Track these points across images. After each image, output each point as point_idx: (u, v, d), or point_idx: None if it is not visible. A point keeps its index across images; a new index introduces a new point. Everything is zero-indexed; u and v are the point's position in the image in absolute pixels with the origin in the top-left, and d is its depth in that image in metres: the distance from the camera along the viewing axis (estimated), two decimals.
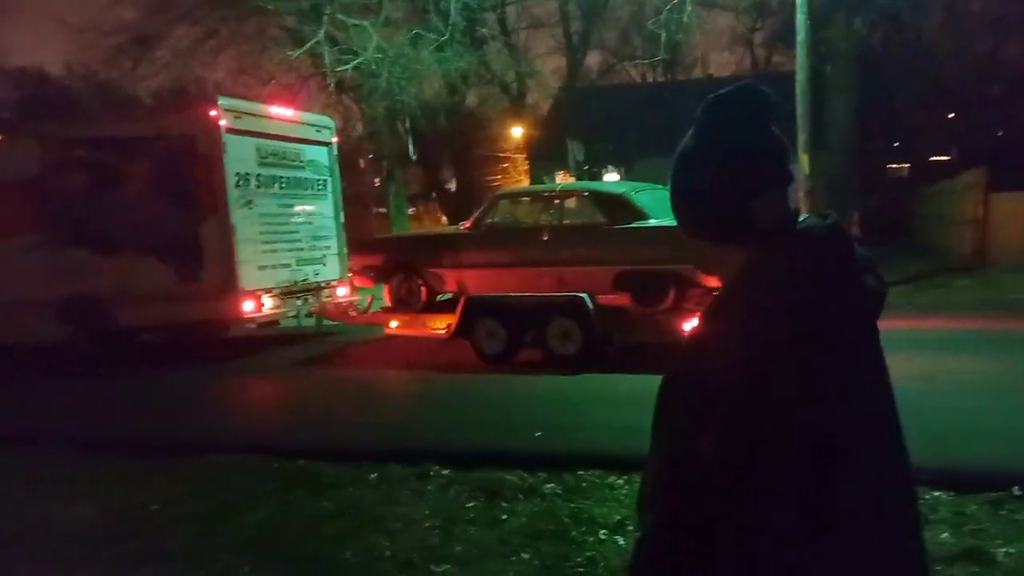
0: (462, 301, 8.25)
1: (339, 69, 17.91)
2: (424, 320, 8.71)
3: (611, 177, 21.55)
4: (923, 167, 27.10)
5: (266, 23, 19.80)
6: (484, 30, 22.07)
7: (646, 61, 29.75)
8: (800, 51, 12.13)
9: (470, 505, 4.27)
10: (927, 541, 1.15)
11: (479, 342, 8.18)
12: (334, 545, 3.87)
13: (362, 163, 30.76)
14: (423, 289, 8.90)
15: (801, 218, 1.12)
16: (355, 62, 17.68)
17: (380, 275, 9.22)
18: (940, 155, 27.82)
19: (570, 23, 28.63)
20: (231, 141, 9.44)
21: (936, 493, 3.95)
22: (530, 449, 5.19)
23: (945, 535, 3.53)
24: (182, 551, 3.89)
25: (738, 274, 1.08)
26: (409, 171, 27.86)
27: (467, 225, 9.01)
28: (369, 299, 10.24)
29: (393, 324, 8.96)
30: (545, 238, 8.04)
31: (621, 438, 5.23)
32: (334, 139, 11.45)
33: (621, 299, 7.74)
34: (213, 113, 9.35)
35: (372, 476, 4.85)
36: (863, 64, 17.58)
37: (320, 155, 11.12)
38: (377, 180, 28.46)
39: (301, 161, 10.75)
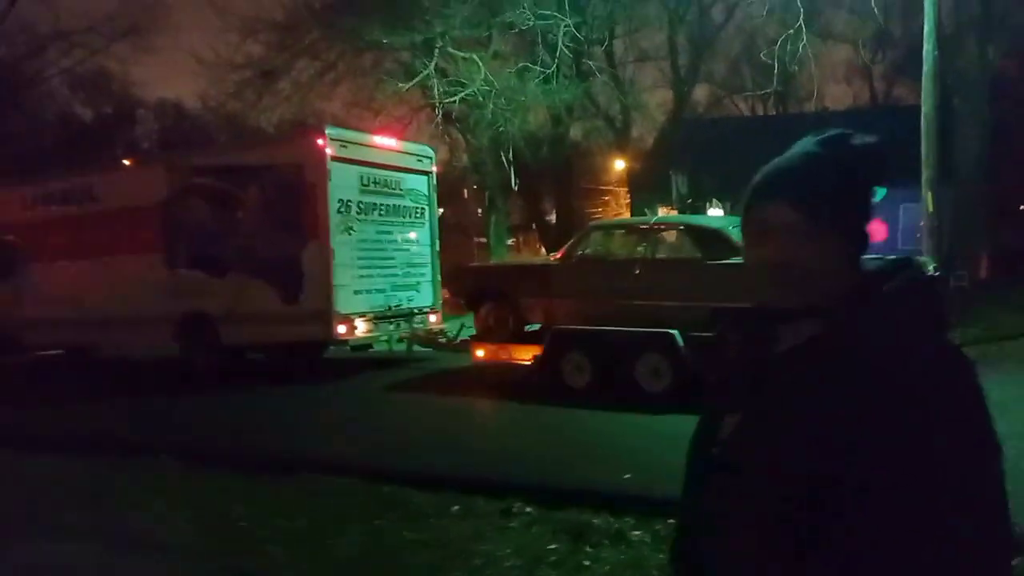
0: (549, 333, 8.17)
1: (447, 101, 18.37)
2: (511, 350, 8.68)
3: (715, 212, 21.03)
4: None
5: (381, 57, 20.60)
6: (591, 63, 22.13)
7: (756, 94, 29.03)
8: (926, 81, 11.47)
9: (553, 547, 4.14)
10: None
11: (565, 375, 8.04)
12: None
13: (466, 193, 31.38)
14: (511, 318, 8.86)
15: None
16: (462, 94, 18.09)
17: (470, 303, 9.26)
18: None
19: (678, 56, 28.36)
20: (335, 169, 9.76)
21: None
22: (618, 491, 5.01)
23: None
24: (274, 569, 3.95)
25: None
26: (511, 202, 28.15)
27: (559, 256, 8.95)
28: (459, 326, 10.31)
29: (480, 352, 8.97)
30: (637, 271, 7.89)
31: None
32: (434, 168, 11.63)
33: (714, 337, 7.38)
34: (320, 142, 9.70)
35: (456, 508, 4.81)
36: (995, 93, 16.48)
37: (420, 184, 11.33)
38: (480, 210, 28.92)
39: (401, 189, 11.00)
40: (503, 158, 20.49)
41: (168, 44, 44.01)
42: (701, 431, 1.23)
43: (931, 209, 11.25)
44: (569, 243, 8.89)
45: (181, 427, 7.78)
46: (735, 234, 7.61)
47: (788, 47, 16.27)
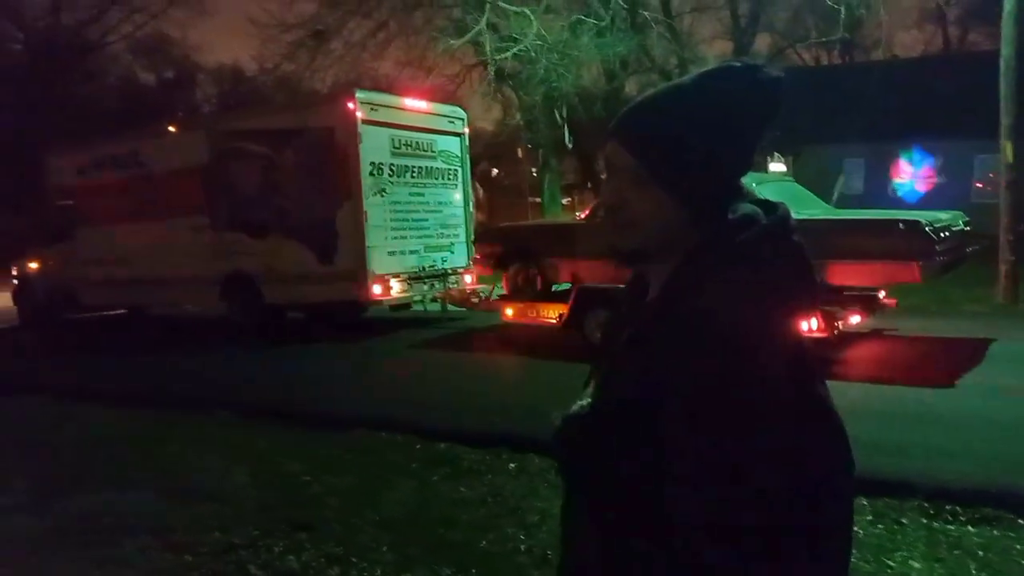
0: (574, 291, 8.30)
1: (499, 57, 18.11)
2: (538, 309, 8.81)
3: (776, 166, 20.38)
4: None
5: (432, 14, 20.39)
6: (646, 14, 21.47)
7: (821, 41, 27.79)
8: (1006, 23, 10.70)
9: None
10: None
11: (589, 333, 8.12)
12: (471, 532, 3.83)
13: (519, 152, 31.10)
14: (539, 278, 9.00)
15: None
16: (514, 49, 17.80)
17: (499, 263, 9.41)
18: None
19: (738, 5, 27.28)
20: (367, 132, 9.89)
21: None
22: None
23: None
24: (327, 523, 4.02)
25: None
26: (565, 161, 27.83)
27: (584, 215, 8.97)
28: (491, 286, 10.35)
29: (509, 312, 9.13)
30: None
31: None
32: (466, 129, 11.70)
33: None
34: (350, 105, 9.81)
35: (511, 465, 4.80)
36: None
37: (452, 145, 11.40)
38: (534, 170, 28.67)
39: (433, 151, 11.08)
40: (556, 116, 20.19)
41: (224, 7, 44.57)
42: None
43: (1010, 159, 10.62)
44: (594, 203, 8.85)
45: (234, 384, 7.98)
46: (759, 192, 7.37)
47: None
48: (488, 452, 5.02)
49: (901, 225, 6.82)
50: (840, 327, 7.07)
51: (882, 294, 7.91)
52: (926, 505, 3.80)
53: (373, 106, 10.09)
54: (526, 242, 9.28)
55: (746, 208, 1.03)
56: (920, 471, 4.10)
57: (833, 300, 7.21)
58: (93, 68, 35.08)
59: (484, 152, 37.19)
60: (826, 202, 8.89)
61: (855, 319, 7.41)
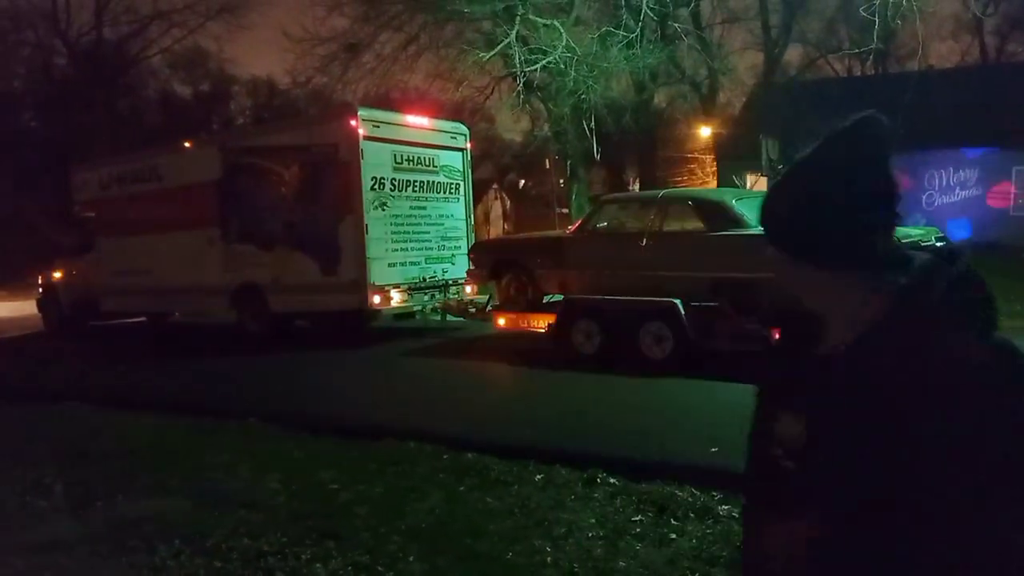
0: (561, 302, 8.62)
1: (528, 69, 18.18)
2: (528, 319, 9.08)
3: None
4: None
5: (463, 27, 20.54)
6: (676, 26, 21.42)
7: (854, 52, 27.48)
8: None
9: (637, 519, 4.06)
10: None
11: (576, 342, 8.39)
12: (498, 543, 3.84)
13: (547, 163, 31.17)
14: (530, 289, 9.23)
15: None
16: (544, 61, 17.85)
17: (492, 275, 9.65)
18: None
19: (769, 15, 27.11)
20: (369, 148, 10.25)
21: None
22: (703, 464, 4.86)
23: None
24: (356, 531, 4.04)
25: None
26: (593, 171, 27.81)
27: (573, 229, 9.32)
28: (488, 297, 10.47)
29: (501, 321, 9.41)
30: (644, 243, 8.08)
31: None
32: (468, 145, 11.96)
33: (716, 306, 7.71)
34: (353, 123, 10.16)
35: (538, 477, 4.79)
36: None
37: (454, 160, 11.68)
38: (562, 181, 28.67)
39: (435, 166, 11.37)
40: (585, 127, 20.17)
41: (259, 21, 45.69)
42: (757, 425, 1.22)
43: None
44: (583, 217, 9.14)
45: (261, 393, 8.11)
46: (739, 207, 7.78)
47: (890, 1, 15.27)
48: (515, 463, 5.02)
49: None
50: None
51: None
52: None
53: (375, 123, 10.46)
54: (517, 254, 9.56)
55: (924, 259, 1.06)
56: None
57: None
58: (133, 82, 35.95)
59: (512, 163, 37.38)
60: None
61: None
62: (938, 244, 7.68)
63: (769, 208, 1.10)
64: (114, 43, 34.38)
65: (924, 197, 22.62)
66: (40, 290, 15.21)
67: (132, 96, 36.01)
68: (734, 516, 4.03)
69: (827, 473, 1.03)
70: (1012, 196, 21.13)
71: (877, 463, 0.98)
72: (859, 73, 32.46)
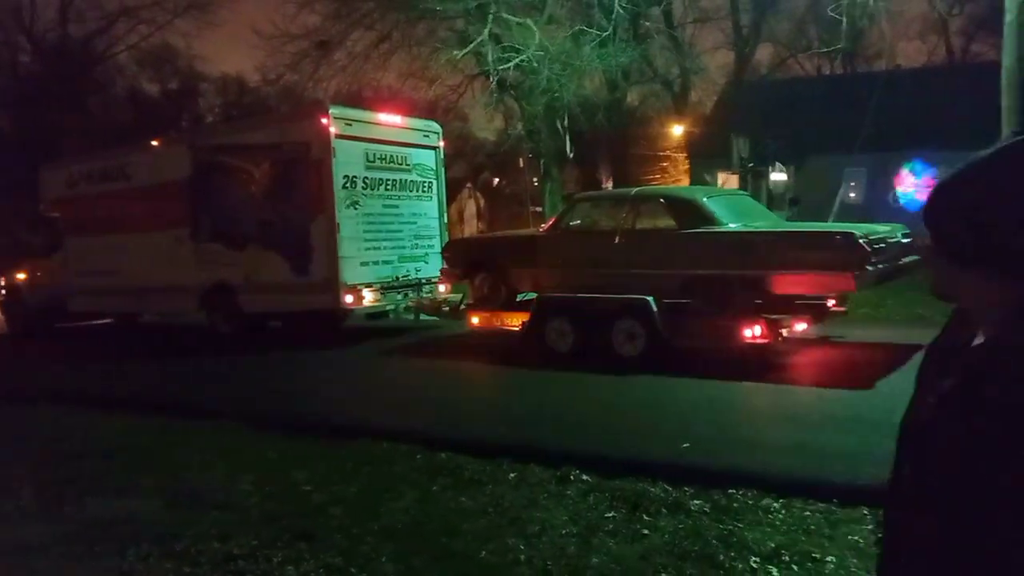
0: (535, 301, 8.62)
1: (501, 68, 18.19)
2: (502, 317, 9.08)
3: (777, 176, 20.37)
4: None
5: (435, 25, 20.49)
6: (648, 25, 21.57)
7: (823, 51, 27.88)
8: (1008, 32, 10.73)
9: (610, 515, 4.09)
10: None
11: (549, 340, 8.41)
12: (472, 542, 3.83)
13: (521, 162, 31.19)
14: (504, 288, 9.23)
15: None
16: (517, 60, 17.88)
17: (465, 273, 9.65)
18: None
19: (740, 15, 27.37)
20: (340, 146, 10.19)
21: None
22: (675, 460, 4.91)
23: None
24: (329, 532, 4.02)
25: None
26: (566, 170, 27.87)
27: (546, 227, 9.35)
28: (461, 296, 10.47)
29: (475, 320, 9.39)
30: (616, 241, 8.12)
31: (779, 458, 4.85)
32: (441, 143, 11.93)
33: (687, 304, 7.79)
34: (324, 121, 10.10)
35: (512, 475, 4.79)
36: None
37: (427, 158, 11.64)
38: (535, 179, 28.73)
39: (408, 164, 11.32)
40: (558, 125, 20.27)
41: (229, 18, 44.90)
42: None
43: None
44: (556, 215, 9.17)
45: (234, 393, 8.03)
46: (710, 205, 7.87)
47: (858, 1, 15.51)
48: (489, 462, 5.02)
49: (837, 237, 7.15)
50: (784, 334, 7.45)
51: (831, 302, 8.24)
52: None
53: (348, 121, 10.40)
54: (490, 253, 9.58)
55: None
56: None
57: (781, 308, 7.65)
58: (101, 79, 35.29)
59: (486, 162, 37.34)
60: (779, 214, 9.20)
61: (801, 326, 7.73)
62: (904, 240, 7.85)
63: (939, 217, 1.07)
64: (80, 40, 33.73)
65: (891, 195, 23.04)
66: (3, 291, 14.89)
67: (100, 94, 35.35)
68: (705, 511, 4.08)
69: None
70: None
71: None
72: (828, 72, 32.96)
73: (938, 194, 1.07)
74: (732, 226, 7.66)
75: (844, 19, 15.85)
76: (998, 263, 1.01)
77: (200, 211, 11.59)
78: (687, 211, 7.92)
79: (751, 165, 19.58)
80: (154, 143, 13.06)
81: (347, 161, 10.30)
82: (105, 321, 14.45)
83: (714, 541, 3.68)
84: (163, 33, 34.56)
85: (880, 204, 22.44)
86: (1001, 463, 0.91)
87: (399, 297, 11.08)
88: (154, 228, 12.07)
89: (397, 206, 11.16)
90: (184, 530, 4.05)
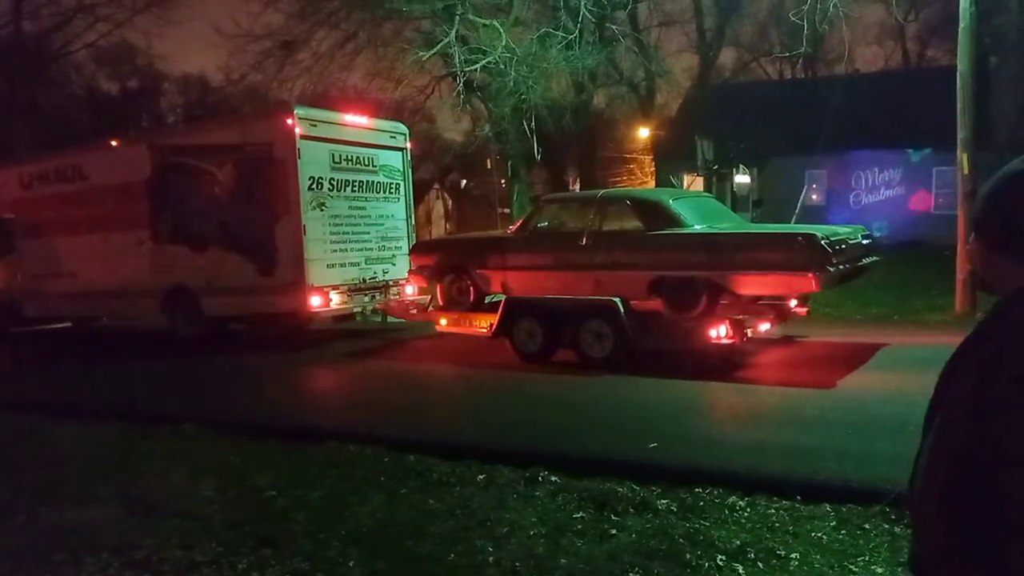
0: (503, 302, 8.60)
1: (468, 69, 18.16)
2: (470, 319, 9.04)
3: (741, 178, 20.67)
4: None
5: (402, 26, 20.38)
6: (614, 28, 21.71)
7: (785, 56, 28.35)
8: (963, 38, 11.00)
9: (578, 515, 4.10)
10: None
11: (518, 341, 8.43)
12: (440, 545, 3.81)
13: (489, 163, 31.20)
14: (472, 289, 9.20)
15: None
16: (483, 62, 17.86)
17: (433, 275, 9.58)
18: None
19: (704, 19, 27.73)
20: (306, 147, 10.05)
21: None
22: (642, 460, 4.94)
23: None
24: (294, 538, 3.96)
25: None
26: (534, 171, 27.95)
27: (514, 229, 9.37)
28: (429, 298, 10.43)
29: (443, 322, 9.33)
30: (583, 242, 8.18)
31: (743, 456, 4.91)
32: (408, 144, 11.83)
33: (654, 304, 7.84)
34: (289, 121, 9.97)
35: (480, 477, 4.78)
36: None
37: (394, 159, 11.54)
38: (503, 181, 28.73)
39: (375, 166, 11.21)
40: (525, 127, 20.26)
41: (190, 16, 44.13)
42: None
43: (966, 171, 10.89)
44: (524, 216, 9.20)
45: (197, 397, 7.88)
46: (675, 206, 7.98)
47: (818, 7, 15.79)
48: (457, 464, 5.00)
49: (800, 239, 7.26)
50: (749, 333, 7.54)
51: (793, 303, 8.39)
52: (888, 511, 3.86)
53: (313, 122, 10.26)
54: (458, 255, 9.53)
55: None
56: (885, 477, 4.16)
57: (745, 309, 7.82)
58: (56, 77, 34.42)
59: (453, 163, 37.24)
60: (743, 216, 9.35)
61: (764, 326, 7.86)
62: (864, 241, 8.01)
63: (993, 210, 1.22)
64: (35, 37, 32.86)
65: (851, 196, 23.52)
66: None
67: (56, 92, 34.49)
68: (672, 510, 4.11)
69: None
70: (933, 196, 22.13)
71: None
72: (790, 76, 33.54)
73: (1005, 192, 1.21)
74: (697, 227, 7.75)
75: (805, 24, 16.12)
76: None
77: (160, 212, 11.37)
78: (653, 213, 8.00)
79: (715, 167, 19.86)
80: (112, 143, 12.77)
81: (313, 162, 10.18)
82: (63, 325, 14.09)
83: (681, 540, 3.70)
84: (122, 31, 33.83)
85: (841, 204, 22.92)
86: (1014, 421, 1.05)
87: (366, 299, 10.97)
88: (113, 230, 11.79)
89: (364, 207, 11.05)
90: (144, 538, 3.96)
